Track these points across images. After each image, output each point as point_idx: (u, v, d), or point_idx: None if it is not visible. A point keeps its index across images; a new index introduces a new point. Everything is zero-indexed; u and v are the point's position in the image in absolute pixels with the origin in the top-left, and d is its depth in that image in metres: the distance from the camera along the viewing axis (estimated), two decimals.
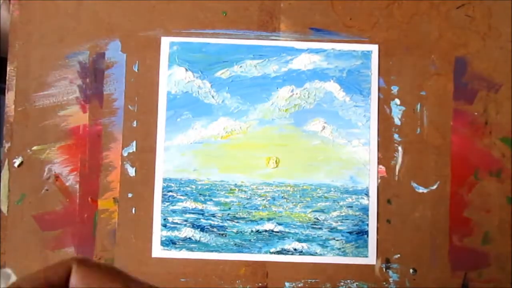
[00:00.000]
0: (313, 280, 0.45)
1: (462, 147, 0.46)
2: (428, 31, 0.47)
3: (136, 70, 0.47)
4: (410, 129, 0.47)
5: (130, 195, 0.46)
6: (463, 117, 0.47)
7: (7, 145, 0.46)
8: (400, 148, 0.46)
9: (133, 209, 0.45)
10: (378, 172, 0.46)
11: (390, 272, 0.46)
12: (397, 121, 0.47)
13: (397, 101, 0.47)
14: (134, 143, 0.46)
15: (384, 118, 0.47)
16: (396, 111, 0.47)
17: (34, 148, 0.46)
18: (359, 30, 0.47)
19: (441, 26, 0.47)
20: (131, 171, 0.46)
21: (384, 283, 0.46)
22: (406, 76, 0.47)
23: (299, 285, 0.45)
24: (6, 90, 0.46)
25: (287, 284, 0.45)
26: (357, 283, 0.45)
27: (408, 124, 0.47)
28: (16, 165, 0.46)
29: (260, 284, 0.45)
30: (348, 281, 0.45)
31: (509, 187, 0.46)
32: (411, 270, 0.45)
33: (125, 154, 0.46)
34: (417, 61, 0.47)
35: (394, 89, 0.47)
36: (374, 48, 0.47)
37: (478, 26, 0.47)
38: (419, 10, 0.47)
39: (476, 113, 0.47)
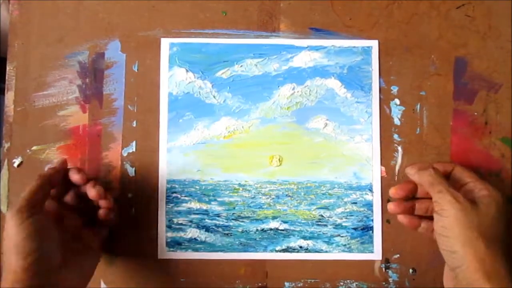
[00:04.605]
0: (312, 280, 0.45)
1: (462, 147, 0.46)
2: (428, 31, 0.47)
3: (136, 70, 0.47)
4: (410, 129, 0.47)
5: (130, 195, 0.46)
6: (463, 117, 0.47)
7: (6, 145, 0.46)
8: (400, 148, 0.46)
9: (133, 209, 0.45)
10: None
11: (390, 272, 0.46)
12: (396, 121, 0.47)
13: (397, 101, 0.47)
14: (134, 143, 0.46)
15: (384, 118, 0.47)
16: (396, 111, 0.47)
17: (34, 148, 0.46)
18: (359, 30, 0.47)
19: (441, 26, 0.47)
20: (131, 171, 0.46)
21: (384, 283, 0.46)
22: (406, 76, 0.47)
23: (299, 285, 0.45)
24: (5, 90, 0.46)
25: (286, 284, 0.45)
26: (356, 283, 0.46)
27: (408, 124, 0.47)
28: (15, 165, 0.46)
29: (259, 284, 0.45)
30: (348, 281, 0.46)
31: (509, 187, 0.46)
32: (410, 270, 0.45)
33: (125, 154, 0.46)
34: (417, 61, 0.47)
35: (394, 89, 0.47)
36: (374, 44, 0.47)
37: (478, 26, 0.47)
38: (419, 10, 0.47)
39: (476, 113, 0.47)
